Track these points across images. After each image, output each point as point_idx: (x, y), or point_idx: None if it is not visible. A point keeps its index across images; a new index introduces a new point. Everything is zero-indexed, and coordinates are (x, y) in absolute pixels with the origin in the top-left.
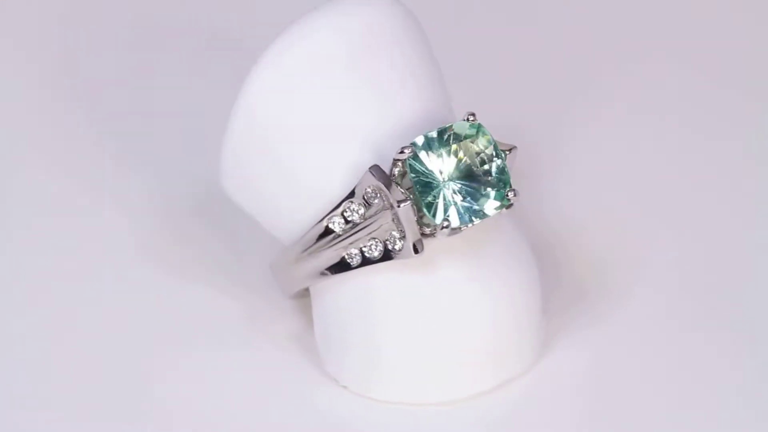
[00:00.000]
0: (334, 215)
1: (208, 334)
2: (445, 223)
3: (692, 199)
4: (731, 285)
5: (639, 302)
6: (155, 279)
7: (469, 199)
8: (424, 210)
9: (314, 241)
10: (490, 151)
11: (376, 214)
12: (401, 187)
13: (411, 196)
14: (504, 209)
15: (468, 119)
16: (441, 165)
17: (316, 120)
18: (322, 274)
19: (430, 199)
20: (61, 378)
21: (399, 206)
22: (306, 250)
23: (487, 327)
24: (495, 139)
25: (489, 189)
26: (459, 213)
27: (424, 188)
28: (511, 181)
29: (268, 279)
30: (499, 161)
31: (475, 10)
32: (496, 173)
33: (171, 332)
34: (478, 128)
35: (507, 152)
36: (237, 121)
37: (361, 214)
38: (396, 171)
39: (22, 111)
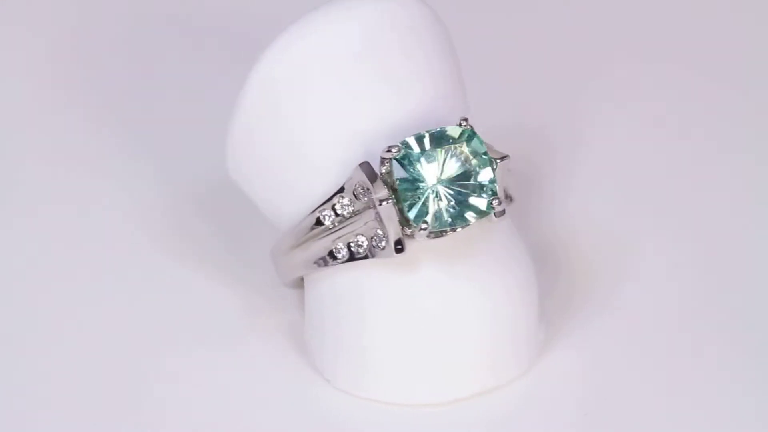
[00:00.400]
0: (325, 208)
1: (206, 332)
2: (423, 225)
3: (691, 201)
4: (730, 287)
5: (638, 303)
6: (155, 276)
7: (453, 203)
8: (405, 210)
9: (306, 231)
10: (480, 157)
11: (363, 210)
12: (389, 186)
13: (393, 196)
14: (494, 217)
15: (460, 124)
16: (428, 167)
17: (320, 111)
18: (314, 264)
19: (412, 200)
20: (55, 373)
21: (380, 204)
22: (298, 239)
23: (484, 327)
24: (491, 145)
25: (475, 196)
26: (439, 217)
27: (407, 189)
28: (512, 183)
29: (267, 275)
30: (488, 169)
31: (475, 12)
32: (484, 181)
33: (170, 330)
34: (470, 134)
35: (498, 160)
36: (243, 106)
37: (350, 210)
38: (384, 169)
39: (22, 108)
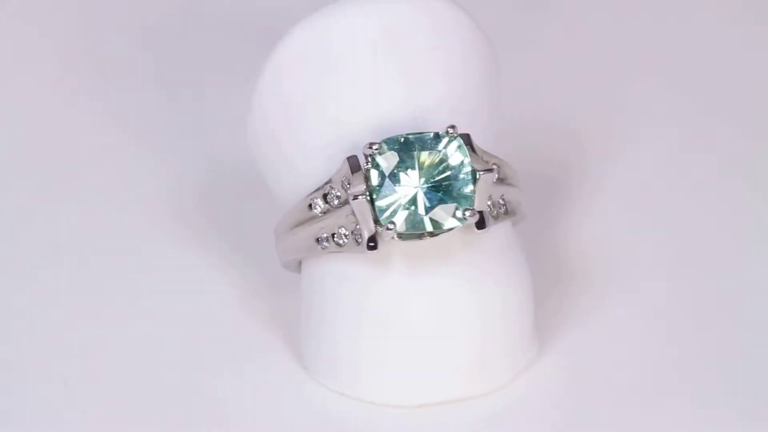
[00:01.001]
0: (317, 195)
1: (203, 331)
2: (390, 226)
3: (689, 206)
4: (727, 290)
5: (633, 305)
6: (154, 274)
7: (427, 208)
8: (375, 208)
9: (300, 215)
10: (460, 167)
11: (346, 203)
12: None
13: (368, 192)
14: (475, 229)
15: (447, 132)
16: (407, 169)
17: (327, 97)
18: (304, 250)
19: (386, 200)
20: (46, 368)
21: (354, 199)
22: (291, 222)
23: (476, 328)
24: (489, 155)
25: (452, 204)
26: (409, 220)
27: (384, 189)
28: (520, 197)
29: (266, 273)
30: (468, 179)
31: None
32: (464, 191)
33: (168, 328)
34: (456, 142)
35: (481, 172)
36: (262, 82)
37: (336, 202)
38: (367, 165)
39: (24, 103)
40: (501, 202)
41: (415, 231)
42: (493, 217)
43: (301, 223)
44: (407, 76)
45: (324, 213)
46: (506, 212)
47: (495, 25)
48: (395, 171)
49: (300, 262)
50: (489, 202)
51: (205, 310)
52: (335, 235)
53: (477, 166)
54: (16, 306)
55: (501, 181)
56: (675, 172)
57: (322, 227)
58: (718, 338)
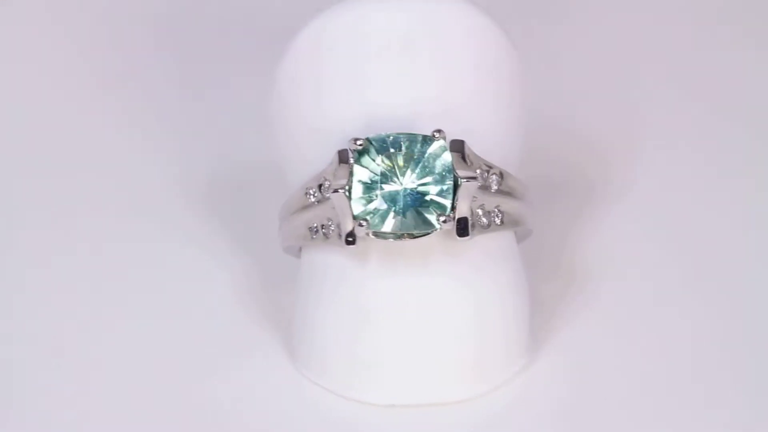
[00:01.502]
0: (313, 184)
1: (201, 331)
2: (363, 223)
3: (694, 211)
4: (728, 293)
5: (631, 306)
6: (154, 271)
7: (406, 209)
8: (350, 204)
9: (297, 202)
10: (445, 172)
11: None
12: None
13: (348, 187)
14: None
15: (434, 135)
16: (391, 168)
17: (337, 87)
18: (299, 237)
19: (366, 197)
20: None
21: (334, 192)
22: (290, 208)
23: (471, 328)
24: (483, 161)
25: (430, 208)
26: (385, 219)
27: (364, 186)
28: (523, 210)
29: (267, 273)
30: (449, 185)
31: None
32: (443, 195)
33: (168, 327)
34: (442, 146)
35: (464, 180)
36: (285, 68)
37: (329, 195)
38: (353, 160)
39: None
40: (496, 212)
41: (390, 231)
42: (481, 226)
43: (298, 210)
44: (415, 77)
45: (318, 202)
46: (502, 223)
47: (509, 26)
48: (378, 169)
49: (300, 249)
50: (480, 211)
51: (204, 308)
52: (323, 226)
53: (461, 173)
54: (15, 303)
55: (503, 192)
56: (683, 177)
57: (314, 216)
58: (717, 340)
